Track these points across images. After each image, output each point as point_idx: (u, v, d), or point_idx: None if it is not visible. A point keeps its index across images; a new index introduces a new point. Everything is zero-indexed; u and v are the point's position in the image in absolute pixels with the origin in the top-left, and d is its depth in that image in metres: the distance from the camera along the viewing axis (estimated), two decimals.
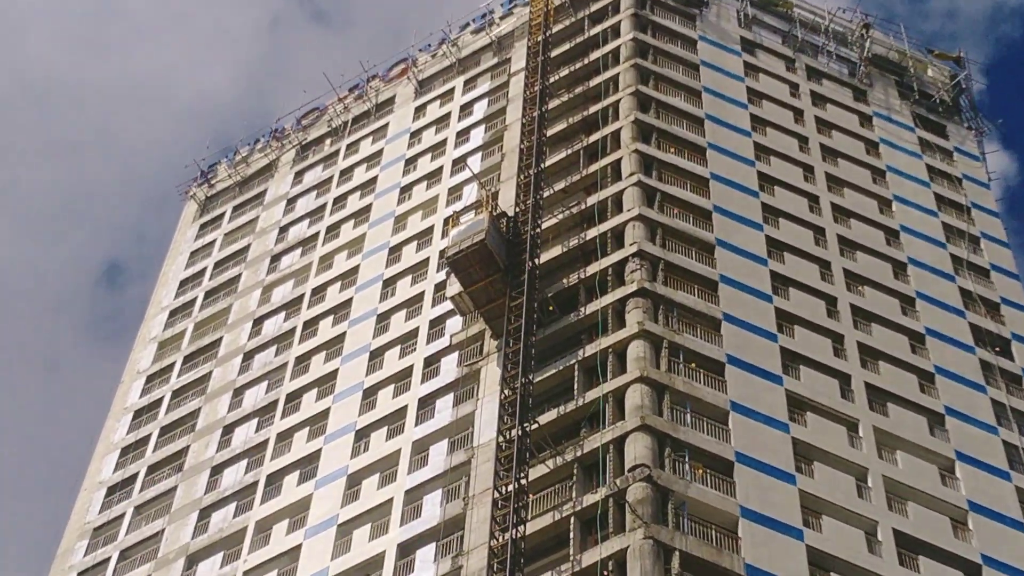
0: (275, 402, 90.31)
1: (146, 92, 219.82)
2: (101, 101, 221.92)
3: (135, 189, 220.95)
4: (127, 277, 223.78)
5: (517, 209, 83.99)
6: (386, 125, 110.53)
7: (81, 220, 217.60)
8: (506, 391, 73.69)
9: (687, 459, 69.23)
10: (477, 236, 79.87)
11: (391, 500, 77.33)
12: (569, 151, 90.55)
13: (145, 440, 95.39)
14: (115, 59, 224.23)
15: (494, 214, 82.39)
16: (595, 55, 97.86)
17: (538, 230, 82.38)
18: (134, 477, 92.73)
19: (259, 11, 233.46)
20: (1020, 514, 75.73)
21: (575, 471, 70.06)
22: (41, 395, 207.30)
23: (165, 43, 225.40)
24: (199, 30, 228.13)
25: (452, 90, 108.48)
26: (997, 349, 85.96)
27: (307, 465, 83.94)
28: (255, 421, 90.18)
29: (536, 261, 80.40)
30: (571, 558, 65.76)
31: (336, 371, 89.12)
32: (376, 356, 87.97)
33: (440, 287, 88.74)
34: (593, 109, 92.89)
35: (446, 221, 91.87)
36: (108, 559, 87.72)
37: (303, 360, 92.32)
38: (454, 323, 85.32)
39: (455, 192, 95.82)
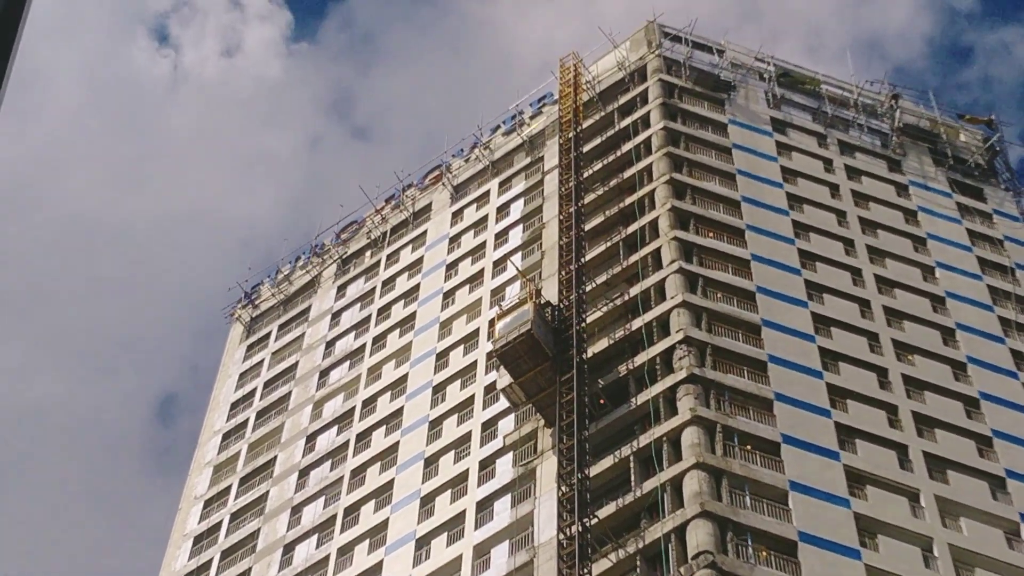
0: (334, 516, 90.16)
1: (191, 223, 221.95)
2: (146, 236, 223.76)
3: (185, 321, 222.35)
4: (181, 409, 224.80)
5: (562, 303, 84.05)
6: (424, 232, 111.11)
7: (133, 357, 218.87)
8: (563, 487, 73.44)
9: (750, 543, 68.68)
10: (524, 327, 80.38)
11: None
12: (608, 243, 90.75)
13: (207, 565, 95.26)
14: (157, 193, 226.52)
15: (539, 304, 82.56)
16: (627, 147, 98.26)
17: (583, 324, 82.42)
18: None
19: (300, 133, 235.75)
20: None
21: (638, 563, 69.62)
22: (103, 529, 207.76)
23: (208, 173, 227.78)
24: (241, 157, 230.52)
25: (488, 192, 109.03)
26: None
27: None
28: (315, 537, 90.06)
29: (584, 356, 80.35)
30: None
31: (392, 480, 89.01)
32: (431, 463, 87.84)
33: (490, 389, 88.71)
34: (629, 200, 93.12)
35: (490, 322, 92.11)
36: None
37: (358, 472, 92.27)
38: (506, 424, 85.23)
39: (498, 293, 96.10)
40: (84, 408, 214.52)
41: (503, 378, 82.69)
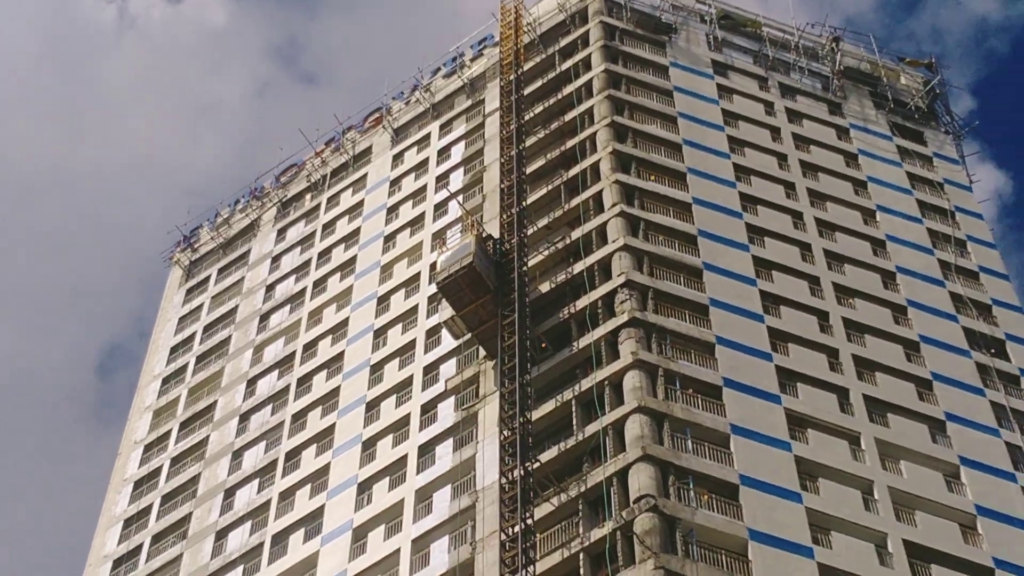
0: (275, 461, 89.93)
1: (135, 172, 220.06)
2: (90, 185, 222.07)
3: (129, 271, 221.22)
4: (126, 359, 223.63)
5: (503, 245, 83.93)
6: (365, 176, 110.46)
7: (77, 308, 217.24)
8: (505, 432, 73.46)
9: (691, 486, 68.91)
10: (465, 259, 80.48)
11: (398, 550, 76.87)
12: (550, 187, 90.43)
13: (147, 510, 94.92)
14: (101, 142, 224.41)
15: (480, 237, 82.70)
16: (568, 89, 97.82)
17: (525, 267, 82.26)
18: (139, 548, 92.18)
19: (246, 80, 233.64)
20: None
21: (580, 507, 69.77)
22: (45, 480, 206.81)
23: (154, 121, 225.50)
24: (187, 105, 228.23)
25: (428, 135, 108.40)
26: (992, 351, 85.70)
27: (312, 522, 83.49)
28: (256, 482, 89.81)
29: (526, 299, 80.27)
30: None
31: (333, 425, 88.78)
32: (372, 407, 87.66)
33: (432, 332, 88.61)
34: (571, 143, 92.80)
35: (431, 265, 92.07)
36: None
37: (300, 417, 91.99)
38: (448, 368, 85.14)
39: (439, 236, 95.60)
40: (27, 361, 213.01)
41: (445, 310, 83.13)
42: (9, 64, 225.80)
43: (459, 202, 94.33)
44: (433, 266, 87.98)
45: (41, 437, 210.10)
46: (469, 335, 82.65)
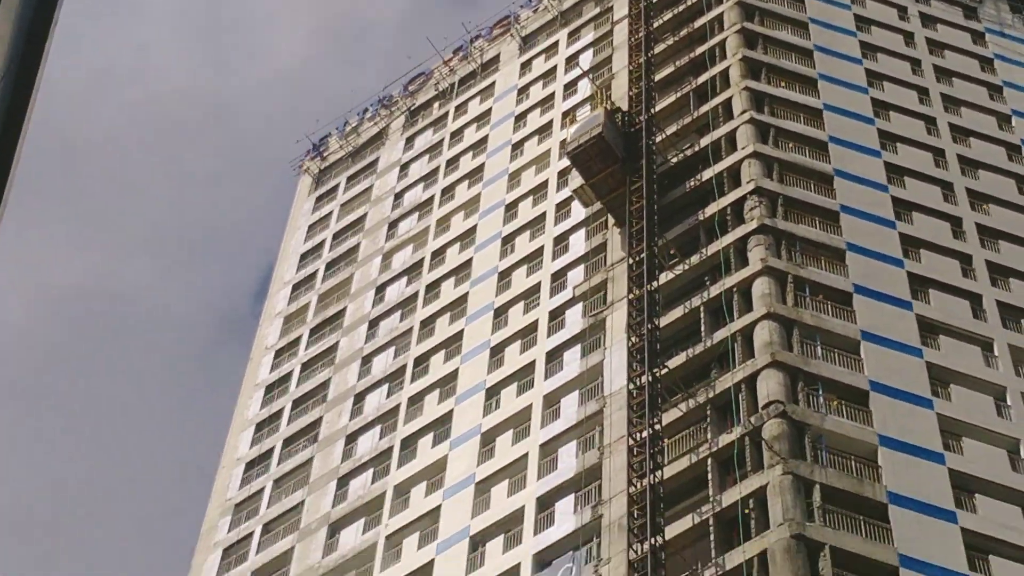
0: (404, 367, 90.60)
1: (278, 95, 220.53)
2: (234, 110, 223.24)
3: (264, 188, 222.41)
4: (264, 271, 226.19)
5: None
6: (492, 84, 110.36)
7: (227, 236, 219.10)
8: (633, 338, 73.45)
9: (820, 392, 68.52)
10: (595, 130, 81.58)
11: (526, 455, 77.23)
12: (678, 94, 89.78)
13: (279, 414, 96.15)
14: (243, 64, 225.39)
15: (609, 109, 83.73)
16: None
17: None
18: (271, 451, 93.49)
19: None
20: None
21: (708, 413, 69.60)
22: (179, 385, 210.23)
23: (296, 41, 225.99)
24: (332, 24, 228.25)
25: (556, 43, 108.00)
26: None
27: (440, 427, 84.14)
28: (385, 387, 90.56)
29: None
30: (711, 499, 65.40)
31: (462, 331, 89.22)
32: (500, 314, 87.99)
33: (560, 239, 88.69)
34: (700, 50, 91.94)
35: (559, 174, 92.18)
36: (251, 533, 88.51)
37: (428, 323, 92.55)
38: (576, 275, 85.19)
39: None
40: (177, 293, 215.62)
41: (574, 179, 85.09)
42: None
43: (590, 78, 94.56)
44: (563, 144, 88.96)
45: (183, 354, 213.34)
46: (599, 205, 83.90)
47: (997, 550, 64.29)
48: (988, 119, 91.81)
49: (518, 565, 71.81)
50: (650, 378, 70.57)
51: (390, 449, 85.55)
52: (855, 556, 61.52)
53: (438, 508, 79.12)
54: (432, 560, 76.55)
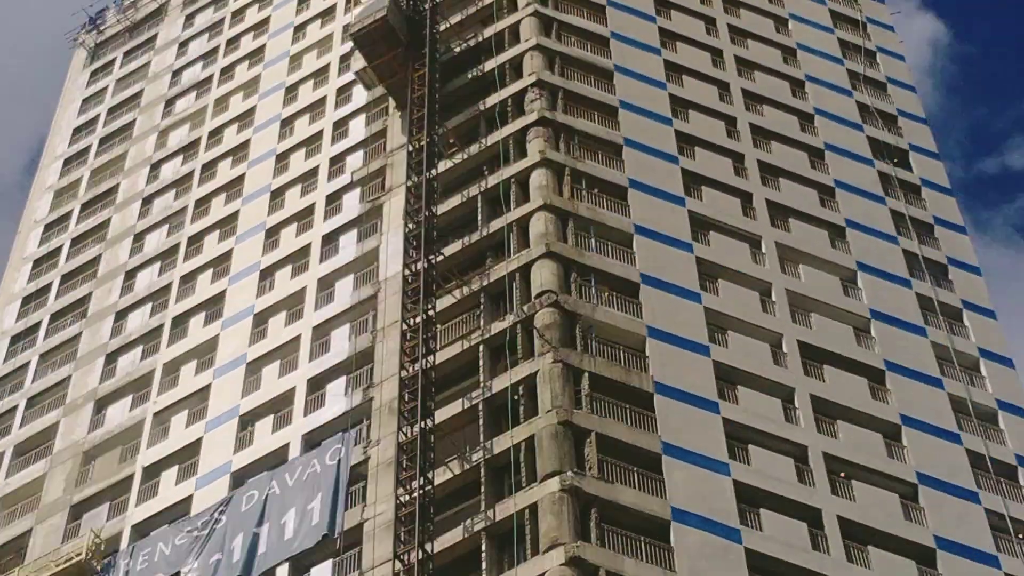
0: (177, 245, 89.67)
1: None
2: None
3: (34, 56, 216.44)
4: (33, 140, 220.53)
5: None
6: None
7: None
8: (410, 224, 73.53)
9: (593, 283, 69.54)
10: (379, 12, 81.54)
11: (299, 337, 77.20)
12: None
13: (46, 288, 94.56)
14: None
15: None
16: None
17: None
18: (37, 325, 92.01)
19: None
20: (921, 320, 76.77)
21: (482, 300, 70.22)
22: None
23: None
24: None
25: None
26: (895, 161, 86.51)
27: (212, 307, 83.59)
28: (157, 265, 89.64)
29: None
30: (481, 385, 66.15)
31: (237, 212, 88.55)
32: (277, 196, 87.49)
33: (338, 125, 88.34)
34: None
35: (342, 58, 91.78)
36: (15, 407, 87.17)
37: (203, 203, 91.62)
38: (355, 160, 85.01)
39: (348, 30, 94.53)
40: None
41: (357, 62, 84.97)
42: None
43: None
44: (345, 28, 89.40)
45: None
46: (381, 89, 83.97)
47: (756, 440, 66.25)
48: (766, 21, 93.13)
49: (287, 445, 71.99)
50: (425, 264, 70.78)
51: (161, 327, 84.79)
52: (620, 443, 62.89)
53: (208, 387, 78.81)
54: (200, 438, 76.34)
